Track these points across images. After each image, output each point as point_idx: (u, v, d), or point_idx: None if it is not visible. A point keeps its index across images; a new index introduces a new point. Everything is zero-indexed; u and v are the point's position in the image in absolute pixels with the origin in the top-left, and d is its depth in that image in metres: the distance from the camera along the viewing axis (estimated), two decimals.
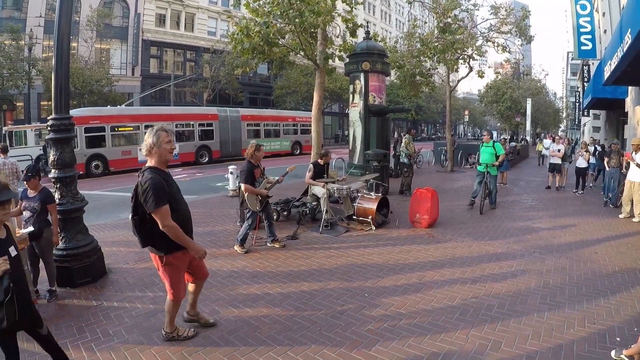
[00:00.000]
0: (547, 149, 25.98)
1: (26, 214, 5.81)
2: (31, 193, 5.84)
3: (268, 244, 8.43)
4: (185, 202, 4.45)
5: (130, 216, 4.17)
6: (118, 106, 27.78)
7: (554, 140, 20.33)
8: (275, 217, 10.47)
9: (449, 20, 19.71)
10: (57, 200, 6.33)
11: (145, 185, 3.94)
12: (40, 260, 5.90)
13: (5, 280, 3.13)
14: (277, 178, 8.74)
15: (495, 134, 39.73)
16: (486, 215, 11.30)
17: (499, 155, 12.00)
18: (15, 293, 3.23)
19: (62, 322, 5.13)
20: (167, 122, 26.68)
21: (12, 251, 3.40)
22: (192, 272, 4.67)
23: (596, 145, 18.57)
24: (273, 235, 8.49)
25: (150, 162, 4.16)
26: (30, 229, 5.46)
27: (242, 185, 7.96)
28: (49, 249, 5.91)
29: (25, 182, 5.92)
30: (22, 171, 6.61)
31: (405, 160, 14.83)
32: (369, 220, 9.87)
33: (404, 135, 17.89)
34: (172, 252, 4.23)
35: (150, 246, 4.23)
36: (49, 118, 6.47)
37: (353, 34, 12.92)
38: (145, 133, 4.26)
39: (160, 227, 4.00)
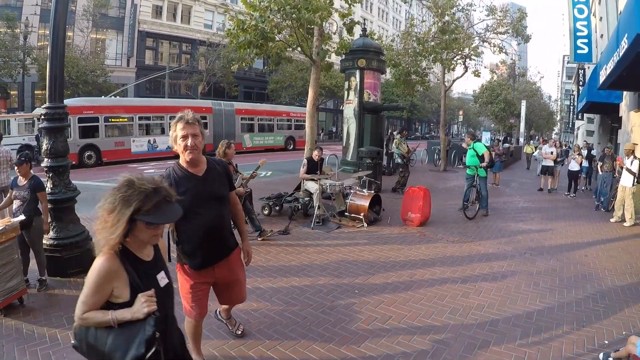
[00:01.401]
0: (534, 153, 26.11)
1: (16, 202, 5.78)
2: (21, 181, 5.81)
3: (258, 239, 8.41)
4: (206, 215, 3.50)
5: None
6: (108, 97, 27.68)
7: (534, 140, 20.36)
8: (267, 211, 10.52)
9: (447, 18, 19.68)
10: (49, 189, 6.32)
11: None
12: (31, 249, 5.87)
13: (149, 327, 2.15)
14: (250, 173, 8.88)
15: (488, 135, 39.78)
16: (478, 216, 11.32)
17: (481, 155, 11.50)
18: (163, 341, 2.26)
19: (52, 311, 5.12)
20: (160, 114, 26.78)
21: (162, 280, 2.47)
22: (218, 295, 3.96)
23: (587, 149, 18.71)
24: (258, 228, 8.50)
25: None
26: (22, 217, 5.45)
27: None
28: (39, 238, 5.89)
29: (16, 167, 5.88)
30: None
31: (399, 160, 14.84)
32: (361, 217, 9.88)
33: (396, 134, 17.92)
34: (181, 261, 3.67)
35: None
36: (42, 107, 6.45)
37: (350, 30, 12.91)
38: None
39: None
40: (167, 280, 2.50)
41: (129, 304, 2.19)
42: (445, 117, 24.55)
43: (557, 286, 6.44)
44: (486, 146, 12.26)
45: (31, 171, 5.94)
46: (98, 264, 2.18)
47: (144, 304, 2.16)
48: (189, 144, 3.27)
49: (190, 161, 3.37)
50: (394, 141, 15.62)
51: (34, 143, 22.30)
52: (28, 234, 5.68)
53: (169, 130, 3.38)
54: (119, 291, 2.21)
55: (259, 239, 8.43)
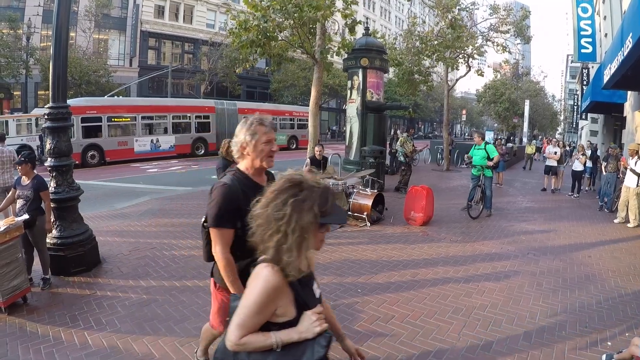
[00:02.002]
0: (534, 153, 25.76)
1: (20, 202, 5.80)
2: (24, 181, 5.82)
3: None
4: None
5: (202, 219, 3.22)
6: (106, 97, 27.75)
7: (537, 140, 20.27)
8: None
9: (452, 16, 19.66)
10: (53, 188, 6.34)
11: (213, 193, 2.90)
12: (34, 248, 5.88)
13: (319, 347, 1.91)
14: None
15: (491, 135, 39.71)
16: (481, 216, 11.29)
17: (492, 157, 11.40)
18: None
19: (56, 310, 5.13)
20: (163, 114, 26.88)
21: (316, 290, 2.18)
22: None
23: (591, 149, 18.70)
24: None
25: (241, 164, 3.05)
26: (25, 216, 5.46)
27: None
28: (42, 237, 5.91)
29: (17, 167, 5.92)
30: None
31: (402, 159, 14.83)
32: (364, 216, 9.87)
33: (400, 133, 17.91)
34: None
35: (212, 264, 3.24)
36: (46, 107, 6.47)
37: (352, 30, 12.87)
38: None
39: (212, 250, 2.95)
40: (319, 291, 2.20)
41: (292, 322, 1.94)
42: (449, 117, 24.54)
43: (560, 287, 6.42)
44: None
45: (34, 171, 5.96)
46: (263, 279, 1.88)
47: (315, 323, 1.91)
48: (274, 149, 3.02)
49: (268, 168, 3.11)
50: (399, 139, 15.59)
51: (33, 143, 22.41)
52: (32, 233, 5.70)
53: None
54: (283, 309, 1.93)
55: None
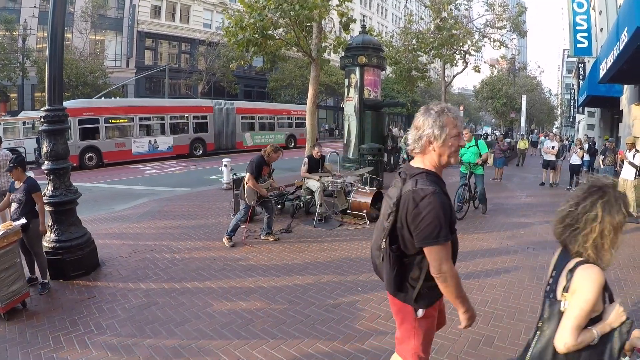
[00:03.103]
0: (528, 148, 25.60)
1: (14, 205, 5.76)
2: (17, 184, 5.80)
3: (262, 237, 8.42)
4: None
5: (382, 243, 2.67)
6: (97, 97, 27.67)
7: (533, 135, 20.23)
8: None
9: (445, 15, 19.71)
10: (50, 192, 6.30)
11: (426, 207, 2.35)
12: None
13: (623, 334, 2.12)
14: (281, 186, 8.81)
15: (489, 130, 39.70)
16: (479, 211, 11.29)
17: (481, 153, 11.04)
18: None
19: (55, 314, 5.11)
20: (160, 115, 26.83)
21: None
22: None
23: (589, 143, 18.74)
24: (269, 228, 8.46)
25: (423, 163, 2.58)
26: (23, 221, 5.43)
27: (247, 175, 7.92)
28: (37, 240, 5.85)
29: (9, 174, 5.91)
30: None
31: (405, 157, 14.83)
32: (363, 214, 9.86)
33: (399, 130, 17.90)
34: (432, 303, 2.78)
35: (404, 293, 2.67)
36: (42, 109, 6.43)
37: (346, 27, 12.84)
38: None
39: (433, 271, 2.45)
40: None
41: (600, 316, 2.10)
42: None
43: None
44: (489, 143, 12.14)
45: (26, 173, 5.92)
46: (595, 279, 2.02)
47: (622, 313, 2.11)
48: (462, 144, 2.60)
49: (454, 164, 2.70)
50: (403, 137, 15.57)
51: (25, 147, 22.40)
52: (26, 236, 5.65)
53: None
54: (597, 305, 2.06)
55: (263, 237, 8.44)
